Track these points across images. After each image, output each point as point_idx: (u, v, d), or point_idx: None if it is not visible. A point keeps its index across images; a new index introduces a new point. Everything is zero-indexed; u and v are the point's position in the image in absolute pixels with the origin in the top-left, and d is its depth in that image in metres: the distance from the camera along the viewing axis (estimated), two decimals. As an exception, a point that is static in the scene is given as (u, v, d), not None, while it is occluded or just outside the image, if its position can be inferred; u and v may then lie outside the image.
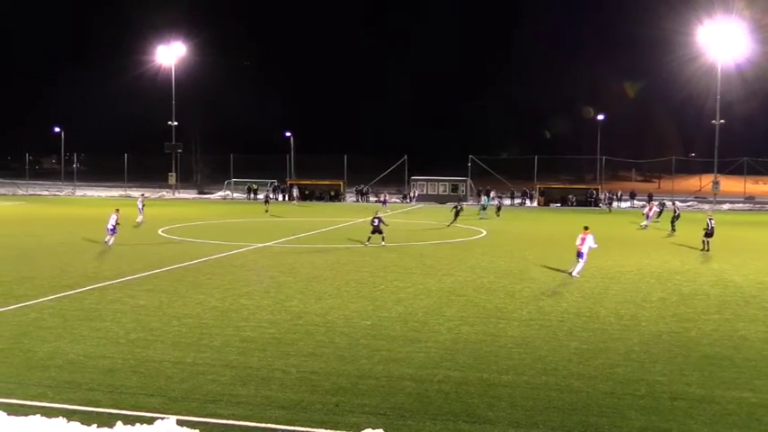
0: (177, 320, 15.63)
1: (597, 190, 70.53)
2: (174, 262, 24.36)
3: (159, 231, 35.49)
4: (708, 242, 29.65)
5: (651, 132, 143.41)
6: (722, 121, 73.82)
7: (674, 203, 43.95)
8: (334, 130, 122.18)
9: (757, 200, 76.29)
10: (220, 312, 16.54)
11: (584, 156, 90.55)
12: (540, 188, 70.81)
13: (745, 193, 77.36)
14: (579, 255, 22.29)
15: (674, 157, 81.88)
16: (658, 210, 46.24)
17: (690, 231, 37.34)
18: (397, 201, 71.53)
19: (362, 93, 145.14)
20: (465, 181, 74.29)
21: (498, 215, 50.62)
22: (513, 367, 12.53)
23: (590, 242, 22.30)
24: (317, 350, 13.42)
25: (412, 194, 71.55)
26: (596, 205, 67.53)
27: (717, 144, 72.79)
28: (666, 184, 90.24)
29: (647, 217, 42.47)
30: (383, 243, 29.87)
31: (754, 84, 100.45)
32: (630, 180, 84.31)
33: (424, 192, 72.32)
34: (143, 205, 40.44)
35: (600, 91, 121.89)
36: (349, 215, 50.29)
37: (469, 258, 26.77)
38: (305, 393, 11.02)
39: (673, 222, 38.58)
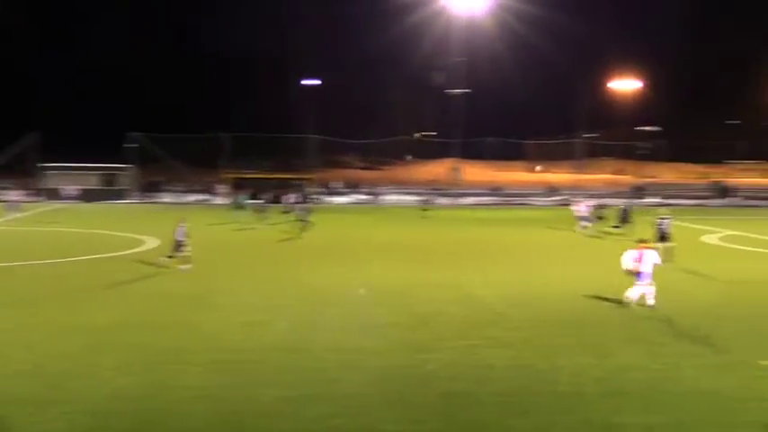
0: None
1: (307, 180, 72.84)
2: None
3: None
4: (669, 248, 30.95)
5: (377, 107, 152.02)
6: (463, 91, 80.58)
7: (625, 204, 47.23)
8: None
9: (506, 191, 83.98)
10: None
11: (292, 134, 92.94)
12: (231, 178, 71.31)
13: (490, 181, 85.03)
14: (639, 276, 21.78)
15: (406, 138, 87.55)
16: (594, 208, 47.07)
17: (436, 233, 40.17)
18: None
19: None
20: (127, 169, 72.52)
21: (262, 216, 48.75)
22: (191, 428, 12.43)
23: (653, 258, 21.96)
24: None
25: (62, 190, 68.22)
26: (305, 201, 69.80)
27: (457, 121, 79.31)
28: (397, 171, 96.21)
29: (584, 218, 44.92)
30: (183, 266, 28.15)
31: (498, 48, 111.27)
32: (352, 167, 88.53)
33: (63, 185, 69.33)
34: None
35: (313, 52, 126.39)
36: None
37: (130, 280, 26.15)
38: None
39: (622, 220, 42.07)
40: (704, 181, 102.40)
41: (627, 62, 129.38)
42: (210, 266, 29.47)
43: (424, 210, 58.45)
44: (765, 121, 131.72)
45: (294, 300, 22.99)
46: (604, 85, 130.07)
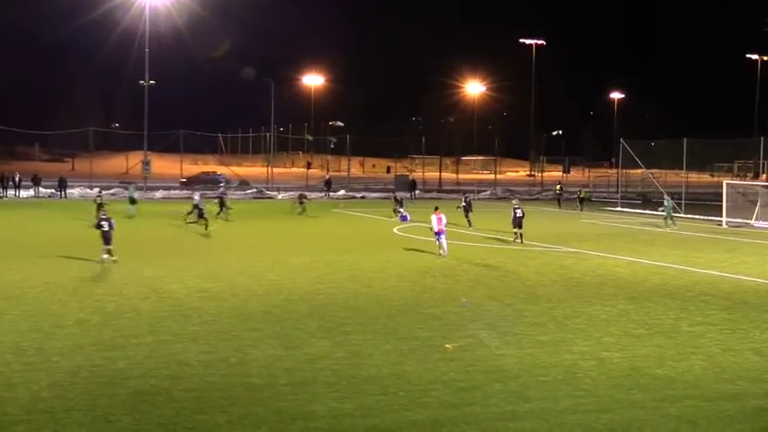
0: None
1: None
2: None
3: None
4: (520, 233, 37.64)
5: (63, 96, 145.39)
6: (153, 82, 79.18)
7: (465, 195, 50.47)
8: None
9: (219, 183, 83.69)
10: None
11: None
12: None
13: (182, 174, 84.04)
14: (439, 234, 31.84)
15: (91, 129, 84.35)
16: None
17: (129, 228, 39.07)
18: None
19: None
20: None
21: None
22: None
23: (444, 220, 32.17)
24: None
25: None
26: None
27: (147, 112, 77.69)
28: (83, 164, 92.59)
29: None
30: None
31: (190, 39, 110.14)
32: (34, 159, 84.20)
33: None
34: None
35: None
36: None
37: None
38: None
39: (467, 215, 45.51)
40: (389, 175, 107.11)
41: (317, 59, 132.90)
42: None
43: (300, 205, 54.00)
44: (441, 119, 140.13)
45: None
46: (297, 79, 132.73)
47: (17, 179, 69.60)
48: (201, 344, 17.52)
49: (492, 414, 13.28)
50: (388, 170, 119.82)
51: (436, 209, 33.24)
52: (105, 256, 28.40)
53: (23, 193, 69.34)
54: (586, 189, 71.36)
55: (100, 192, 53.10)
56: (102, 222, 28.84)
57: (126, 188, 64.27)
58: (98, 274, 26.60)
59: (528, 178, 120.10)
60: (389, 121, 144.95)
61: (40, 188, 70.82)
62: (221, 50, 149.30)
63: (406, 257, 32.05)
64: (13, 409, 13.07)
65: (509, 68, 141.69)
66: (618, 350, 17.52)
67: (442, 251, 31.76)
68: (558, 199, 69.98)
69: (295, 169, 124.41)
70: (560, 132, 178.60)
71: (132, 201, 51.47)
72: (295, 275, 27.01)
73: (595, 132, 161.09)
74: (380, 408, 13.47)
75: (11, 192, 68.62)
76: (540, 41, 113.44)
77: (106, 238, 28.58)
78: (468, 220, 44.97)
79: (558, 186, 72.99)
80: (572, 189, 76.13)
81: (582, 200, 64.75)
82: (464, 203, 46.31)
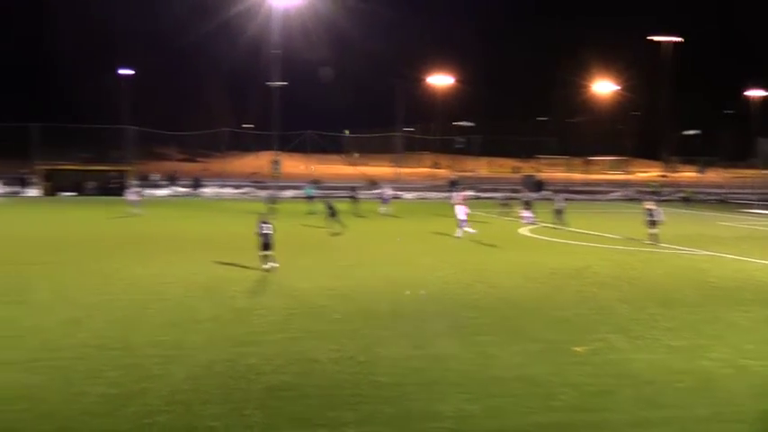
0: None
1: (125, 172, 71.17)
2: None
3: None
4: (655, 234, 37.51)
5: (196, 97, 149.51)
6: (285, 83, 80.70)
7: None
8: None
9: (326, 184, 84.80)
10: None
11: (106, 125, 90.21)
12: (44, 170, 68.83)
13: (310, 174, 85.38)
14: (462, 222, 38.85)
15: (225, 129, 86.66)
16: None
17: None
18: None
19: None
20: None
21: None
22: (10, 430, 11.98)
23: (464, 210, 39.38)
24: None
25: None
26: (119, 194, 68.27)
27: (276, 113, 79.16)
28: (217, 163, 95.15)
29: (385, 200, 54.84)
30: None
31: (318, 41, 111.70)
32: (171, 158, 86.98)
33: None
34: None
35: (127, 42, 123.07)
36: None
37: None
38: None
39: (559, 216, 45.23)
40: (517, 175, 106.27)
41: (444, 58, 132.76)
42: (34, 259, 28.37)
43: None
44: (570, 119, 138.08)
45: (116, 294, 22.41)
46: (423, 80, 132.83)
47: (155, 178, 72.19)
48: (330, 341, 17.75)
49: (624, 420, 13.05)
50: (516, 170, 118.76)
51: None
52: (269, 264, 27.32)
53: (160, 192, 71.73)
54: (690, 189, 73.11)
55: (272, 191, 55.00)
56: (263, 225, 27.72)
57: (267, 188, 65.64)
58: (230, 271, 27.23)
59: (660, 179, 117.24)
60: (517, 121, 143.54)
61: (177, 187, 73.13)
62: (342, 52, 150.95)
63: (532, 258, 31.74)
64: (154, 399, 13.54)
65: (641, 66, 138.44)
66: (759, 359, 16.88)
67: (457, 234, 38.45)
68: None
69: (421, 169, 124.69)
70: (696, 132, 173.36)
71: (310, 197, 54.52)
72: (422, 275, 27.07)
73: (733, 132, 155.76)
74: (507, 410, 13.41)
75: (149, 190, 71.16)
76: (674, 39, 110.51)
77: (265, 244, 27.53)
78: (560, 222, 44.24)
79: (653, 184, 74.71)
80: (703, 190, 74.60)
81: (686, 199, 68.20)
82: (559, 205, 45.42)
